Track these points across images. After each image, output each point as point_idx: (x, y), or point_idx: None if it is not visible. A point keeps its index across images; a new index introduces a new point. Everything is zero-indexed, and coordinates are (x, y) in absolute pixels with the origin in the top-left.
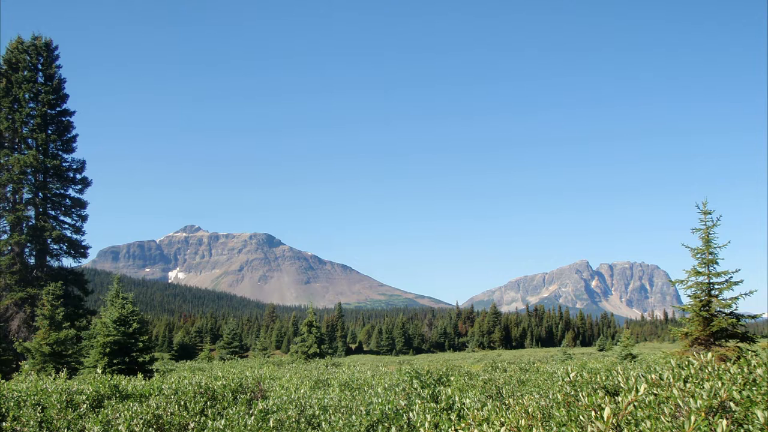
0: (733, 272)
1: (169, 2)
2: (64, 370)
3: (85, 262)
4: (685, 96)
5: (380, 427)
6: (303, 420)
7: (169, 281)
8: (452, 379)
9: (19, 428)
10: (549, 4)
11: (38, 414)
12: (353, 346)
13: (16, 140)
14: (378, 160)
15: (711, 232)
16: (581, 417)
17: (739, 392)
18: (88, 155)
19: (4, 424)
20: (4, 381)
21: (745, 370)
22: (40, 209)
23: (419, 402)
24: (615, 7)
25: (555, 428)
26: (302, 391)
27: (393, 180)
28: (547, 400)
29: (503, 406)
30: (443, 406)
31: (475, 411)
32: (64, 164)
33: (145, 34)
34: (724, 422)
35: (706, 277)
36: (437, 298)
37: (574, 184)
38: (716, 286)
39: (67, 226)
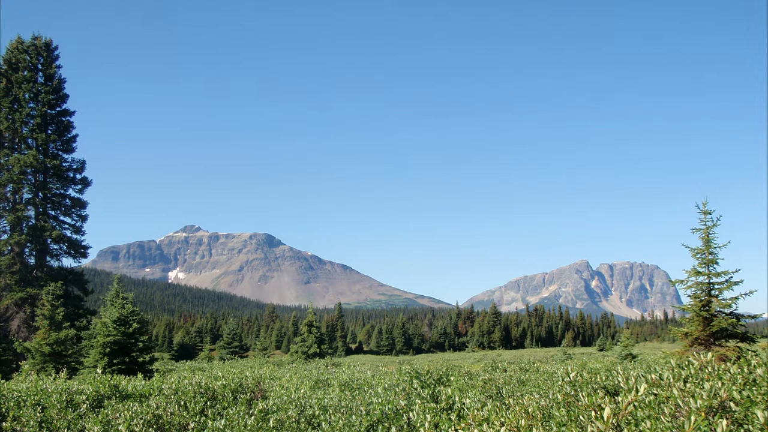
0: (733, 272)
1: (169, 2)
2: (64, 370)
3: (85, 262)
4: (685, 96)
5: (380, 427)
6: (303, 420)
7: (169, 281)
8: (452, 379)
9: (19, 428)
10: (549, 4)
11: (38, 414)
12: (353, 346)
13: (16, 140)
14: (378, 160)
15: (711, 232)
16: (581, 417)
17: (739, 392)
18: (88, 155)
19: (4, 424)
20: (4, 381)
21: (745, 370)
22: (40, 209)
23: (419, 402)
24: (615, 7)
25: (555, 428)
26: (302, 391)
27: (393, 180)
28: (547, 400)
29: (503, 406)
30: (443, 406)
31: (475, 411)
32: (64, 164)
33: (145, 34)
34: (724, 422)
35: (706, 277)
36: (437, 298)
37: (574, 184)
38: (716, 286)
39: (67, 226)
